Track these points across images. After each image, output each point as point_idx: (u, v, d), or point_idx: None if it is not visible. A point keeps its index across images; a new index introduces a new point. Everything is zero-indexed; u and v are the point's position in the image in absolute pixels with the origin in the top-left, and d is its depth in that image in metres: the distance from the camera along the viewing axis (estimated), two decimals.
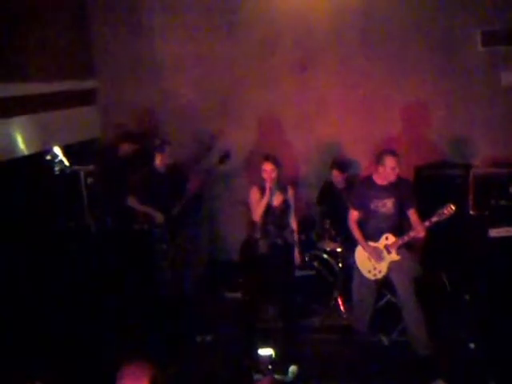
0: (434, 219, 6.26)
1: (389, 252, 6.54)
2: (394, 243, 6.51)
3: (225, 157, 8.06)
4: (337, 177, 8.10)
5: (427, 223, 6.31)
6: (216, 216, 9.05)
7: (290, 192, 7.07)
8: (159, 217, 7.55)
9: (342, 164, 8.22)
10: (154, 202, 7.55)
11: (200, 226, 8.53)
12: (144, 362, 3.34)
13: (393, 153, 6.43)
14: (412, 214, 6.49)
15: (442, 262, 7.80)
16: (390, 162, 6.37)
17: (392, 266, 6.55)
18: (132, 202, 7.60)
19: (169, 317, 7.22)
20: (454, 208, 6.14)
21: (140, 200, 7.57)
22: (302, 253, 7.35)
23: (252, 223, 7.24)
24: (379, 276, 6.63)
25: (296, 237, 7.19)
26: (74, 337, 6.36)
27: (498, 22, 8.10)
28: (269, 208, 6.89)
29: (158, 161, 7.56)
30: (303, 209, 8.43)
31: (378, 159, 6.48)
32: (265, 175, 6.83)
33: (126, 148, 8.08)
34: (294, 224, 7.16)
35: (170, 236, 7.58)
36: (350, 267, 7.11)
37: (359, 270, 6.74)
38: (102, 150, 8.69)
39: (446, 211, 6.17)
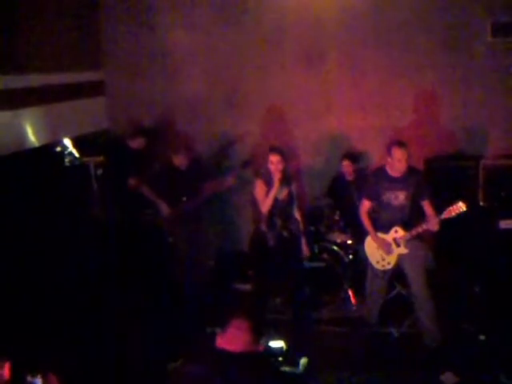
0: (444, 216, 6.23)
1: (397, 245, 6.53)
2: (403, 236, 6.49)
3: (246, 164, 8.06)
4: (347, 167, 8.07)
5: (438, 219, 6.29)
6: (226, 208, 9.02)
7: (295, 185, 7.08)
8: (165, 209, 7.58)
9: (353, 155, 8.21)
10: (167, 197, 7.59)
11: (208, 220, 8.49)
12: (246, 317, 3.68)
13: (400, 144, 6.39)
14: (426, 206, 6.47)
15: (453, 254, 7.79)
16: (397, 153, 6.35)
17: (403, 257, 6.54)
18: (143, 188, 7.69)
19: (178, 308, 7.24)
20: (464, 206, 6.10)
21: (152, 190, 7.63)
22: (308, 244, 7.36)
23: (258, 216, 7.24)
24: (388, 267, 6.63)
25: (302, 228, 7.19)
26: (83, 328, 6.37)
27: (508, 13, 8.05)
28: (275, 201, 6.89)
29: (175, 160, 7.60)
30: (312, 201, 8.43)
31: (387, 150, 6.46)
32: (272, 167, 6.83)
33: (139, 142, 8.08)
34: (297, 215, 7.16)
35: (176, 230, 7.58)
36: (360, 259, 7.11)
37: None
38: (113, 142, 8.69)
39: (455, 209, 6.14)
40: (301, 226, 7.24)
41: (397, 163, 6.35)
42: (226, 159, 8.84)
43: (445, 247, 7.76)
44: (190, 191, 7.62)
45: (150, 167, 7.90)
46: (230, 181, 7.76)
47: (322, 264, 7.72)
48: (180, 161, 7.62)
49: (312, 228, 7.95)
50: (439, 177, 7.90)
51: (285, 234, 7.08)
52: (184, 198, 7.61)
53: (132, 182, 7.69)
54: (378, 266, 6.67)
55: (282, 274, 7.20)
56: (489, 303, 7.20)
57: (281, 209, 7.02)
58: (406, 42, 8.37)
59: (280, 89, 8.75)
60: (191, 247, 7.68)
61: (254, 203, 7.40)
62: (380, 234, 6.62)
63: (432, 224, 6.31)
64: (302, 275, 7.34)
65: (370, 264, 6.74)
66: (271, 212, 6.97)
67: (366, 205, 6.74)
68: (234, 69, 8.84)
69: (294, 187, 7.09)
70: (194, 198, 7.63)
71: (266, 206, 6.93)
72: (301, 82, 8.72)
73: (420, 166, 7.67)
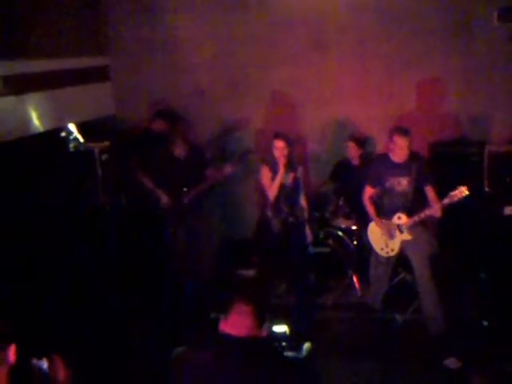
0: (446, 201, 6.23)
1: (401, 231, 6.54)
2: (406, 223, 6.50)
3: (246, 153, 8.05)
4: (352, 149, 8.04)
5: (440, 205, 6.29)
6: (231, 194, 9.02)
7: (301, 170, 7.08)
8: (164, 199, 7.57)
9: (358, 138, 8.18)
10: (167, 185, 7.58)
11: (212, 209, 8.48)
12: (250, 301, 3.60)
13: (403, 131, 6.40)
14: (429, 191, 6.48)
15: (457, 240, 7.79)
16: (399, 141, 6.36)
17: (407, 244, 6.55)
18: (143, 178, 7.70)
19: (182, 295, 7.27)
20: (466, 190, 6.10)
21: (153, 180, 7.64)
22: (312, 230, 7.37)
23: (263, 201, 7.26)
24: (391, 254, 6.66)
25: (306, 214, 7.20)
26: (87, 314, 6.40)
27: None
28: (281, 186, 6.91)
29: (174, 150, 7.58)
30: (316, 186, 8.43)
31: (390, 137, 6.47)
32: (276, 153, 6.84)
33: (158, 125, 8.07)
34: (303, 202, 7.17)
35: (178, 220, 7.59)
36: (365, 245, 7.12)
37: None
38: (119, 127, 8.69)
39: (458, 194, 6.14)
40: (306, 211, 7.25)
41: (399, 150, 6.37)
42: (228, 147, 8.81)
43: (449, 234, 7.75)
44: (190, 181, 7.57)
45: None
46: (228, 169, 7.72)
47: (326, 249, 7.75)
48: (178, 151, 7.57)
49: (317, 214, 7.96)
50: (444, 163, 7.90)
51: (290, 219, 7.10)
52: (185, 189, 7.57)
53: (141, 176, 7.71)
54: (382, 253, 6.69)
55: (287, 260, 7.23)
56: (493, 289, 7.20)
57: (287, 194, 7.04)
58: (410, 29, 8.33)
59: (286, 76, 8.72)
60: (193, 237, 7.66)
61: (260, 190, 7.41)
62: (383, 221, 6.63)
63: (435, 210, 6.32)
64: (306, 261, 7.36)
65: (374, 250, 6.76)
66: (277, 198, 6.99)
67: (368, 191, 6.76)
68: (239, 56, 8.80)
69: (299, 173, 7.09)
70: (195, 187, 7.59)
71: (272, 191, 6.95)
72: (307, 70, 8.69)
73: (424, 152, 7.68)
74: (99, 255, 7.33)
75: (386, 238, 6.62)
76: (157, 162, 7.66)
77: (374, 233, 6.76)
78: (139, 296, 7.23)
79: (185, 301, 7.32)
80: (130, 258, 7.63)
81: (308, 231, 7.27)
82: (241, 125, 8.89)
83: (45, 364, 3.37)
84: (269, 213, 7.10)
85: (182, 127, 7.92)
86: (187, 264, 7.60)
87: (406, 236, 6.53)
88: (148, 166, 7.72)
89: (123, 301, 7.05)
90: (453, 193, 6.17)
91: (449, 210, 6.38)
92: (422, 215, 6.42)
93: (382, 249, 6.70)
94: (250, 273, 8.06)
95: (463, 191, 6.11)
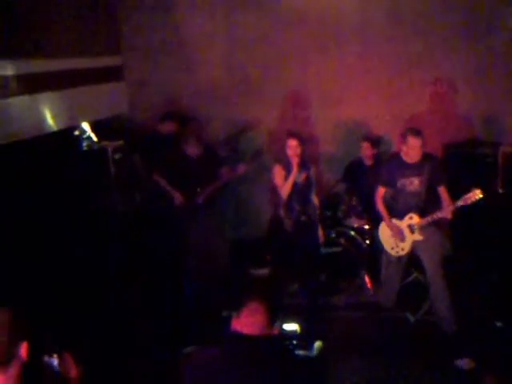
0: (460, 203, 6.23)
1: (412, 231, 6.53)
2: (417, 223, 6.49)
3: (257, 153, 8.06)
4: (366, 149, 8.03)
5: (452, 207, 6.27)
6: (243, 193, 9.03)
7: (313, 169, 7.11)
8: (178, 198, 7.57)
9: (373, 138, 8.19)
10: (181, 184, 7.59)
11: (225, 208, 8.48)
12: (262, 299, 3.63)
13: (415, 132, 6.40)
14: (442, 192, 6.48)
15: (470, 241, 7.76)
16: (412, 141, 6.36)
17: (418, 244, 6.55)
18: (157, 177, 7.70)
19: (195, 293, 7.28)
20: (480, 193, 6.08)
21: (167, 179, 7.65)
22: (324, 229, 7.38)
23: (276, 201, 7.27)
24: (402, 253, 6.66)
25: (319, 214, 7.21)
26: (97, 311, 6.43)
27: None
28: (294, 185, 6.93)
29: (187, 149, 7.58)
30: (329, 186, 8.43)
31: (402, 138, 6.47)
32: (290, 151, 6.88)
33: (167, 127, 8.11)
34: (316, 201, 7.18)
35: (191, 219, 7.59)
36: (377, 244, 7.11)
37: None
38: (132, 126, 8.73)
39: (472, 196, 6.12)
40: (318, 211, 7.26)
41: (411, 151, 6.37)
42: (240, 147, 8.82)
43: (462, 234, 7.73)
44: (203, 180, 7.59)
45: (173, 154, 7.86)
46: (242, 168, 7.74)
47: (339, 249, 7.74)
48: (191, 150, 7.57)
49: (329, 213, 7.96)
50: (457, 163, 7.88)
51: (303, 218, 7.13)
52: (198, 189, 7.59)
53: (156, 176, 7.73)
54: (392, 253, 6.69)
55: (299, 259, 7.24)
56: (506, 290, 7.17)
57: (299, 193, 7.08)
58: (423, 29, 8.33)
59: (298, 75, 8.74)
60: (206, 235, 7.66)
61: (273, 188, 7.43)
62: (395, 221, 6.63)
63: (446, 212, 6.32)
64: (317, 260, 7.37)
65: (385, 250, 6.76)
66: (290, 197, 7.02)
67: (381, 191, 6.76)
68: (251, 54, 8.81)
69: (312, 172, 7.13)
70: (209, 186, 7.61)
71: (285, 190, 6.99)
72: (319, 69, 8.69)
73: (438, 153, 7.66)
74: (111, 254, 7.34)
75: (396, 238, 6.62)
76: (170, 162, 7.67)
77: (385, 232, 6.77)
78: (150, 296, 7.25)
79: (191, 300, 7.33)
80: (142, 257, 7.64)
81: (320, 231, 7.29)
82: (253, 125, 8.89)
83: (56, 361, 3.40)
84: (281, 212, 7.13)
85: (195, 126, 7.92)
86: (200, 263, 7.60)
87: (418, 236, 6.52)
88: (161, 165, 7.73)
89: (133, 301, 7.08)
90: (467, 195, 6.16)
91: (462, 211, 6.37)
92: (434, 217, 6.41)
93: (392, 248, 6.70)
94: (263, 272, 8.08)
95: (477, 194, 6.10)
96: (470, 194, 6.13)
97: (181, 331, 6.52)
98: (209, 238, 7.67)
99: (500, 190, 7.70)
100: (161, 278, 7.47)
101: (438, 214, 6.37)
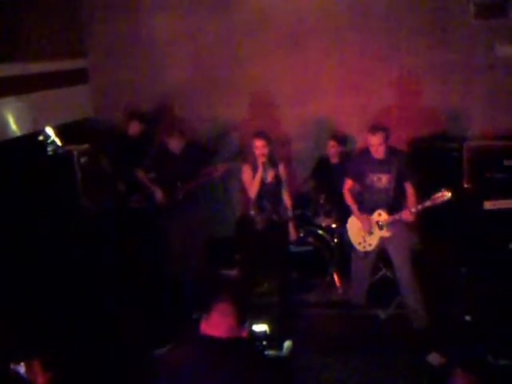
0: (427, 204, 6.24)
1: (380, 228, 6.56)
2: (385, 220, 6.52)
3: (237, 155, 8.07)
4: (333, 147, 8.08)
5: (419, 207, 6.31)
6: (216, 194, 9.00)
7: (282, 168, 7.13)
8: (159, 194, 7.56)
9: (339, 136, 8.24)
10: (161, 182, 7.59)
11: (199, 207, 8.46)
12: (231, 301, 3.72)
13: (373, 130, 6.40)
14: (408, 187, 6.50)
15: (438, 235, 7.82)
16: (370, 139, 6.39)
17: (386, 240, 6.57)
18: (140, 174, 7.68)
19: (166, 294, 7.25)
20: (449, 194, 6.10)
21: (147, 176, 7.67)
22: (296, 228, 7.39)
23: (246, 200, 7.28)
24: (369, 249, 6.68)
25: (290, 212, 7.22)
26: (69, 317, 6.37)
27: None
28: (263, 184, 6.96)
29: (170, 143, 7.56)
30: (298, 185, 8.44)
31: (366, 135, 6.49)
32: (256, 151, 6.90)
33: (133, 127, 8.09)
34: (287, 200, 7.19)
35: (170, 214, 7.57)
36: (346, 243, 7.14)
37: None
38: (98, 129, 8.68)
39: (440, 196, 6.14)
40: (289, 209, 7.27)
41: (372, 148, 6.39)
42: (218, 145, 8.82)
43: (430, 229, 7.77)
44: (184, 176, 7.59)
45: (146, 153, 7.83)
46: (220, 169, 7.76)
47: (308, 248, 7.75)
48: (174, 144, 7.54)
49: (298, 212, 7.97)
50: (423, 158, 7.90)
51: (274, 217, 7.15)
52: (178, 184, 7.59)
53: (140, 174, 7.70)
54: (360, 248, 6.72)
55: (269, 258, 7.25)
56: (475, 284, 7.24)
57: (269, 192, 7.10)
58: (389, 25, 8.35)
59: (265, 74, 8.73)
60: (187, 233, 7.66)
61: (243, 188, 7.42)
62: (363, 214, 6.65)
63: (406, 215, 6.34)
64: (287, 259, 7.38)
65: (353, 246, 6.79)
66: (260, 196, 7.05)
67: (348, 183, 6.81)
68: (218, 54, 8.81)
69: (281, 170, 7.13)
70: (189, 182, 7.61)
71: (252, 190, 7.02)
72: (285, 67, 8.71)
73: (405, 147, 7.70)
74: (79, 258, 7.29)
75: (364, 232, 6.64)
76: (151, 157, 7.66)
77: (352, 227, 6.79)
78: (129, 296, 7.22)
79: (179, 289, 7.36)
80: (122, 257, 7.62)
81: (292, 229, 7.29)
82: (229, 126, 8.89)
83: (22, 369, 3.37)
84: (251, 211, 7.13)
85: (178, 122, 7.91)
86: (178, 261, 7.60)
87: (386, 233, 6.54)
88: (146, 162, 7.71)
89: (111, 301, 7.04)
90: (435, 195, 6.16)
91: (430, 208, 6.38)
92: (397, 217, 6.42)
93: (359, 243, 6.72)
94: (233, 273, 8.09)
95: (446, 195, 6.11)
96: (439, 195, 6.13)
97: (154, 333, 6.50)
98: (187, 236, 7.67)
99: (466, 185, 7.75)
100: (140, 277, 7.45)
101: (402, 216, 6.38)
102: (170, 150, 7.57)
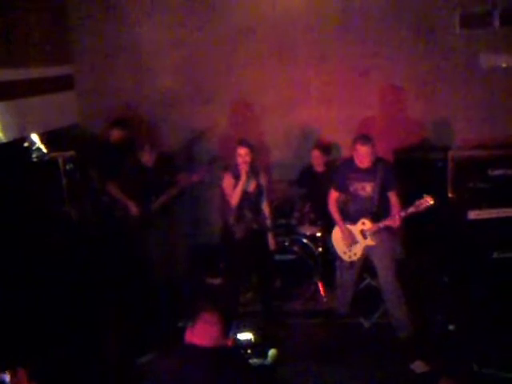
0: (411, 210, 6.25)
1: (364, 237, 6.57)
2: (369, 229, 6.53)
3: (213, 160, 8.07)
4: (317, 158, 8.10)
5: (403, 213, 6.32)
6: (198, 202, 8.99)
7: (263, 177, 7.12)
8: (134, 209, 7.49)
9: (323, 145, 8.26)
10: (136, 194, 7.51)
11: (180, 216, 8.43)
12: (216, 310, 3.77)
13: (363, 140, 6.41)
14: (392, 196, 6.51)
15: (422, 245, 7.86)
16: (360, 149, 6.40)
17: (370, 249, 6.59)
18: (111, 187, 7.61)
19: (151, 302, 7.23)
20: (432, 200, 6.13)
21: (121, 189, 7.56)
22: (276, 238, 7.40)
23: (226, 209, 7.26)
24: (354, 258, 6.68)
25: (269, 222, 7.23)
26: (59, 323, 6.35)
27: (476, 5, 8.12)
28: (244, 193, 6.94)
29: (142, 157, 7.52)
30: (282, 193, 8.44)
31: (353, 145, 6.50)
32: (239, 159, 6.88)
33: (115, 134, 8.06)
34: (266, 209, 7.20)
35: (147, 226, 7.52)
36: (330, 251, 7.15)
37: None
38: (89, 136, 8.66)
39: (424, 202, 6.16)
40: (268, 219, 7.26)
41: (361, 158, 6.40)
42: (196, 153, 8.81)
43: (414, 238, 7.82)
44: (158, 188, 7.54)
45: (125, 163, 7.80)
46: (197, 176, 7.73)
47: (293, 256, 7.75)
48: (146, 158, 7.52)
49: (283, 221, 7.98)
50: (407, 168, 7.94)
51: (254, 226, 7.13)
52: (153, 197, 7.55)
53: (110, 187, 7.65)
54: (345, 257, 6.72)
55: (252, 267, 7.25)
56: (458, 293, 7.26)
57: (250, 201, 7.06)
58: (375, 35, 8.41)
59: (250, 83, 8.75)
60: (164, 245, 7.63)
61: (223, 196, 7.40)
62: (348, 225, 6.66)
63: (393, 220, 6.36)
64: (271, 268, 7.38)
65: (338, 255, 6.79)
66: (240, 205, 7.02)
67: (333, 194, 6.78)
68: (203, 63, 8.81)
69: (262, 180, 7.12)
70: (164, 194, 7.56)
71: (234, 198, 6.98)
72: (271, 76, 8.72)
73: (389, 157, 7.73)
74: (64, 266, 7.25)
75: (346, 243, 6.65)
76: (124, 170, 7.61)
77: (337, 237, 6.79)
78: (112, 303, 7.19)
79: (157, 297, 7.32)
80: (97, 268, 7.57)
81: (271, 240, 7.29)
82: (208, 132, 8.88)
83: (7, 377, 3.35)
84: (231, 220, 7.11)
85: (147, 133, 7.89)
86: (158, 271, 7.56)
87: (370, 242, 6.55)
88: (116, 175, 7.65)
89: (94, 309, 7.01)
90: (418, 202, 6.19)
91: (414, 215, 6.40)
92: (382, 224, 6.44)
93: (344, 253, 6.72)
94: (217, 281, 8.09)
95: (429, 201, 6.13)
96: (422, 201, 6.16)
97: (137, 341, 6.48)
98: (165, 247, 7.64)
99: (450, 195, 7.79)
100: (123, 285, 7.42)
101: (386, 222, 6.41)
102: (142, 163, 7.54)
